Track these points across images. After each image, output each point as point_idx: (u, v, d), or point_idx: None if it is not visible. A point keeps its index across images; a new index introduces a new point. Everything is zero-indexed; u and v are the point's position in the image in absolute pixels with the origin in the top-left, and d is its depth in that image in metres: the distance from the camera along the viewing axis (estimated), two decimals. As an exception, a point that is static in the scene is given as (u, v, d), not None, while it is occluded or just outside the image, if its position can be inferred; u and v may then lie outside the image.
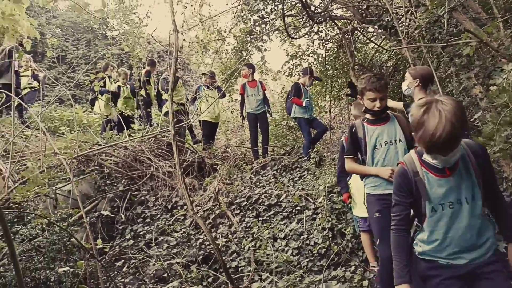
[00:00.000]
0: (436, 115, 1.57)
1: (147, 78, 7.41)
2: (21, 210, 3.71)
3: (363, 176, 2.98)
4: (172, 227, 4.59)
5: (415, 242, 1.96)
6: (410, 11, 5.12)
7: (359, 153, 2.94)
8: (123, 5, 8.89)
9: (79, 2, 3.66)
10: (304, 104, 6.17)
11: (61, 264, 3.41)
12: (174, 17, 3.37)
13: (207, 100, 6.86)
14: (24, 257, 3.25)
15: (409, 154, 1.95)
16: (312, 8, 6.92)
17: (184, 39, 8.67)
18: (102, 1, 3.46)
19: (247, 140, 8.50)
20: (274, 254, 3.82)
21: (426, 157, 1.80)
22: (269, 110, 7.03)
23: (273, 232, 4.25)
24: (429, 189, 1.82)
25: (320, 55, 8.35)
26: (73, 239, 3.44)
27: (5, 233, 1.82)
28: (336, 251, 3.79)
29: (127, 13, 9.40)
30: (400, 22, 5.44)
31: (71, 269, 3.19)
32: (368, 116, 2.93)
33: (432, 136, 1.57)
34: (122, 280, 3.78)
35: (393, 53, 7.44)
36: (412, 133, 1.79)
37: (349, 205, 3.88)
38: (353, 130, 2.93)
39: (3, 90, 5.19)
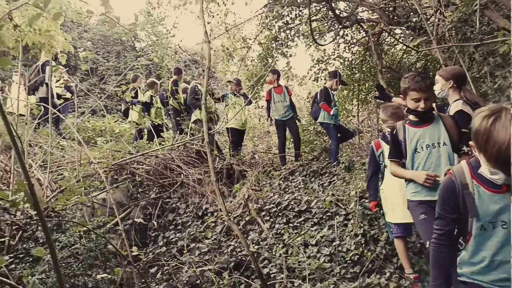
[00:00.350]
0: (507, 126, 1.41)
1: (175, 87, 7.51)
2: (60, 218, 3.83)
3: (406, 180, 2.86)
4: (203, 234, 4.62)
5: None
6: (439, 11, 5.01)
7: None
8: (151, 17, 9.09)
9: (110, 16, 3.77)
10: (332, 113, 6.12)
11: (98, 270, 3.50)
12: (206, 28, 3.39)
13: (234, 108, 6.91)
14: (63, 264, 3.35)
15: (460, 164, 1.77)
16: (337, 12, 6.88)
17: (211, 48, 8.79)
18: (135, 15, 3.58)
19: (274, 146, 8.49)
20: (307, 261, 3.79)
21: (483, 171, 1.60)
22: (297, 117, 7.03)
23: (304, 238, 4.21)
24: (479, 205, 1.63)
25: (346, 59, 8.28)
26: (109, 246, 3.52)
27: (48, 241, 1.90)
28: (370, 258, 3.72)
29: (155, 24, 9.58)
30: (429, 22, 5.33)
31: (108, 276, 3.27)
32: (411, 117, 2.79)
33: (500, 149, 1.42)
34: (157, 286, 3.83)
35: (422, 54, 7.29)
36: (471, 143, 1.60)
37: (381, 211, 3.81)
38: (394, 132, 2.84)
39: (41, 103, 5.39)
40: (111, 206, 4.16)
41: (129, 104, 7.08)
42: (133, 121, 7.33)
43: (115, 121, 8.86)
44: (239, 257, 4.16)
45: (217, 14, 9.17)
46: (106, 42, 14.07)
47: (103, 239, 3.48)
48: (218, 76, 15.52)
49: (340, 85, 6.81)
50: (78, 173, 4.39)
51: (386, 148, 3.53)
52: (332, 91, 6.38)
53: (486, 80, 4.42)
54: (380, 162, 3.73)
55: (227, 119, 7.05)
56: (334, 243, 4.04)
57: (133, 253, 3.65)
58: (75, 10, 4.45)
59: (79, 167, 4.60)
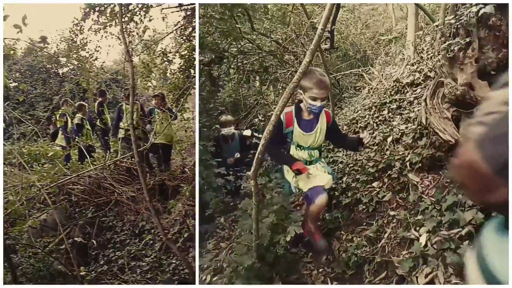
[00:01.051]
0: None
1: (101, 108, 7.63)
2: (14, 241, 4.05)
3: None
4: (142, 252, 4.51)
5: None
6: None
7: None
8: (75, 44, 8.92)
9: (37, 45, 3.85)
10: None
11: (47, 290, 3.72)
12: (128, 48, 3.42)
13: (162, 123, 6.75)
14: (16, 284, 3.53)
15: None
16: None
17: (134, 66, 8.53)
18: (68, 47, 3.61)
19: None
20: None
21: None
22: None
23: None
24: None
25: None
26: (59, 266, 3.82)
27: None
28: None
29: (79, 50, 9.47)
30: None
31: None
32: None
33: None
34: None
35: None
36: None
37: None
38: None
39: None
40: (54, 227, 4.45)
41: (59, 128, 7.38)
42: (65, 145, 7.47)
43: (47, 145, 8.78)
44: (182, 276, 4.02)
45: (136, 33, 8.89)
46: (32, 71, 14.98)
47: (51, 259, 3.75)
48: (139, 92, 15.12)
49: None
50: (21, 196, 4.47)
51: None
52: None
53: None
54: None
55: (155, 135, 6.82)
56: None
57: (81, 273, 3.76)
58: (9, 47, 4.55)
59: (22, 191, 4.66)
